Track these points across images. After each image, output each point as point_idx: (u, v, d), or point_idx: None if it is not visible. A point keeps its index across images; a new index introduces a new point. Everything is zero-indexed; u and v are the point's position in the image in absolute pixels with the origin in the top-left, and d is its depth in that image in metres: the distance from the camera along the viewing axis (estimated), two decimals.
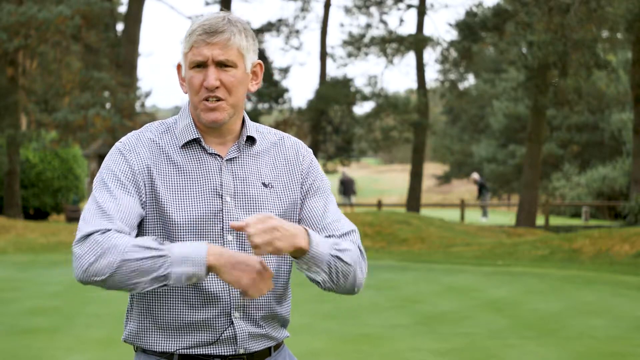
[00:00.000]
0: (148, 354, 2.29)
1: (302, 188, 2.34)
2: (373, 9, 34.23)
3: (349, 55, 34.37)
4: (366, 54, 34.27)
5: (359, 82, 62.51)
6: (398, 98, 34.65)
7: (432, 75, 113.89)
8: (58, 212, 26.91)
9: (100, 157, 27.09)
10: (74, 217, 25.01)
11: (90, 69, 26.56)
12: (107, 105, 26.17)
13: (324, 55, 34.17)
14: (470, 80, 46.70)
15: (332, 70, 57.77)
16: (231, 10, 31.31)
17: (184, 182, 2.25)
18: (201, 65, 2.22)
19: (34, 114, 27.18)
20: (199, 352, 2.25)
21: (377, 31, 34.09)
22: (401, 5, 33.66)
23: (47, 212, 26.85)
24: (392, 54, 34.05)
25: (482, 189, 32.26)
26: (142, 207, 2.21)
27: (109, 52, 31.15)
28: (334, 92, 32.73)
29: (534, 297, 11.10)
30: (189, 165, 2.27)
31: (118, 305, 9.60)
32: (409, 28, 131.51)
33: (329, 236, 2.26)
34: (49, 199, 26.51)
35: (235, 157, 2.30)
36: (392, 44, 33.75)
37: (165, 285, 2.09)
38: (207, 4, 34.17)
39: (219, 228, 2.24)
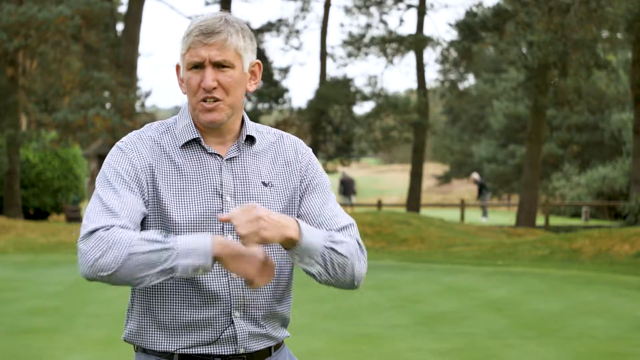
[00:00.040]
0: (148, 354, 2.29)
1: (300, 185, 2.34)
2: (373, 9, 34.25)
3: (349, 55, 34.37)
4: (366, 54, 34.28)
5: (359, 82, 62.52)
6: (398, 98, 34.66)
7: (432, 75, 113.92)
8: (58, 212, 26.91)
9: (100, 157, 27.10)
10: (74, 217, 25.01)
11: (90, 69, 26.56)
12: (107, 105, 26.18)
13: (324, 55, 34.18)
14: (470, 80, 46.74)
15: (332, 70, 57.79)
16: (231, 10, 31.34)
17: (184, 181, 2.25)
18: (198, 66, 2.22)
19: (34, 114, 27.19)
20: (199, 352, 2.25)
21: (377, 31, 34.11)
22: (401, 5, 33.67)
23: (47, 212, 26.85)
24: (392, 54, 34.06)
25: (482, 189, 32.26)
26: (145, 206, 2.22)
27: (109, 52, 31.15)
28: (334, 92, 32.73)
29: (534, 297, 11.10)
30: (189, 165, 2.27)
31: (118, 305, 9.60)
32: (409, 28, 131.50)
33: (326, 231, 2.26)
34: (49, 199, 26.51)
35: (235, 157, 2.30)
36: (392, 44, 33.75)
37: (171, 277, 2.10)
38: (207, 4, 34.20)
39: (219, 227, 2.24)
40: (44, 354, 7.18)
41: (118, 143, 2.30)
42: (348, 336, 8.10)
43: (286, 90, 35.21)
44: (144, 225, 2.23)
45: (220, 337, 2.25)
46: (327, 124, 34.82)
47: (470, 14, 30.97)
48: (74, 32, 25.46)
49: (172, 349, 2.26)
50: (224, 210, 2.24)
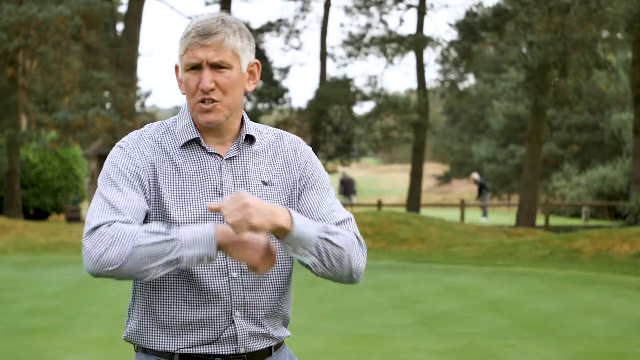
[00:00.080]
0: (148, 354, 2.30)
1: (299, 182, 2.34)
2: (373, 9, 34.25)
3: (349, 55, 34.37)
4: (366, 54, 34.28)
5: (359, 82, 62.54)
6: (398, 98, 34.66)
7: (432, 75, 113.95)
8: (58, 212, 26.91)
9: (100, 157, 27.10)
10: (74, 217, 25.01)
11: (90, 69, 26.57)
12: (107, 105, 26.18)
13: (324, 55, 34.18)
14: (470, 80, 46.74)
15: (332, 70, 57.80)
16: (231, 10, 31.33)
17: (184, 181, 2.26)
18: (196, 67, 2.23)
19: (34, 114, 27.20)
20: (199, 352, 2.25)
21: (377, 31, 34.11)
22: (401, 5, 33.68)
23: (47, 212, 26.86)
24: (392, 54, 34.06)
25: (482, 189, 32.26)
26: (147, 204, 2.23)
27: (109, 52, 31.16)
28: (334, 92, 32.73)
29: (534, 297, 11.10)
30: (189, 165, 2.28)
31: (118, 305, 9.60)
32: (409, 28, 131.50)
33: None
34: (49, 199, 26.52)
35: (235, 156, 2.31)
36: (392, 44, 33.76)
37: (177, 268, 2.11)
38: (207, 4, 34.19)
39: None
40: (44, 354, 7.18)
41: (119, 143, 2.31)
42: (348, 336, 8.10)
43: (286, 90, 35.21)
44: (146, 223, 2.24)
45: (221, 336, 2.25)
46: (327, 124, 34.82)
47: (470, 14, 30.97)
48: (74, 32, 25.47)
49: (173, 349, 2.26)
50: None
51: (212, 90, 2.22)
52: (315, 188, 2.34)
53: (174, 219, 2.22)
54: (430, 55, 79.00)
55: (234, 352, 2.27)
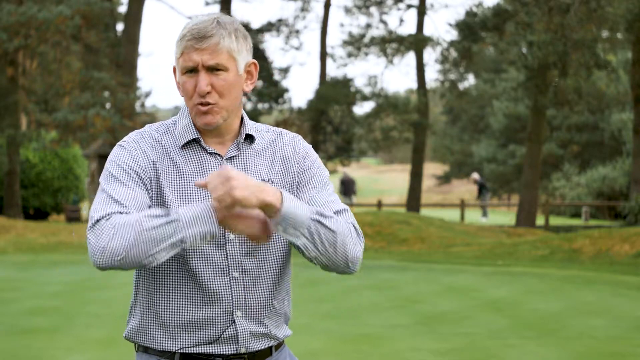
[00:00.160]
0: (149, 354, 2.30)
1: (297, 177, 2.34)
2: (373, 9, 34.25)
3: (349, 55, 34.38)
4: (366, 54, 34.29)
5: (359, 82, 62.56)
6: (398, 98, 34.66)
7: (432, 75, 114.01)
8: (58, 212, 26.91)
9: (100, 157, 27.08)
10: (74, 217, 25.01)
11: (90, 69, 26.57)
12: (107, 105, 26.18)
13: (324, 55, 34.18)
14: (470, 80, 46.75)
15: (332, 70, 57.88)
16: (231, 10, 31.33)
17: (185, 181, 2.27)
18: (192, 70, 2.23)
19: (34, 114, 27.21)
20: (200, 351, 2.26)
21: (377, 31, 34.12)
22: (401, 5, 33.68)
23: (47, 212, 26.86)
24: (392, 54, 34.07)
25: (482, 189, 32.26)
26: (150, 200, 2.23)
27: (109, 52, 31.16)
28: (334, 92, 32.73)
29: (534, 297, 11.10)
30: (189, 165, 2.28)
31: (118, 306, 9.61)
32: (409, 28, 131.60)
33: None
34: (49, 199, 26.52)
35: (235, 156, 2.31)
36: (392, 44, 33.76)
37: (182, 249, 2.12)
38: (207, 4, 34.19)
39: (221, 227, 2.24)
40: (44, 354, 7.18)
41: (120, 142, 2.32)
42: (348, 336, 8.10)
43: (286, 90, 35.21)
44: None
45: (222, 336, 2.26)
46: (327, 124, 34.82)
47: (470, 14, 30.98)
48: (74, 32, 25.47)
49: (174, 348, 2.26)
50: None
51: (208, 93, 2.23)
52: (313, 182, 2.34)
53: None
54: (430, 55, 79.11)
55: (235, 352, 2.27)
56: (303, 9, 35.37)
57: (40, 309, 9.53)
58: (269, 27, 34.98)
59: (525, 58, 24.55)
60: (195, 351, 2.26)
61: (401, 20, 35.03)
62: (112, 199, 2.16)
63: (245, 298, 2.27)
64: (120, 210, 2.13)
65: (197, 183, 2.13)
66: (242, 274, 2.26)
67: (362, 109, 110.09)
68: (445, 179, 55.60)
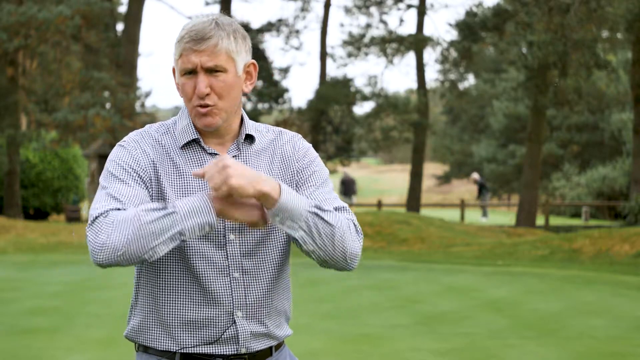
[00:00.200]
0: (150, 354, 2.30)
1: (297, 176, 2.34)
2: (373, 9, 34.26)
3: (349, 55, 34.38)
4: (366, 54, 34.29)
5: (359, 82, 62.55)
6: (398, 98, 34.67)
7: (432, 75, 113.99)
8: (58, 212, 26.91)
9: (100, 157, 27.10)
10: (74, 217, 25.01)
11: (90, 69, 26.57)
12: (107, 105, 26.19)
13: (324, 55, 34.19)
14: (470, 80, 46.75)
15: (332, 70, 57.91)
16: (231, 10, 31.33)
17: (185, 182, 2.27)
18: (191, 72, 2.23)
19: (34, 114, 27.20)
20: (200, 352, 2.26)
21: (377, 31, 34.13)
22: (401, 5, 33.68)
23: (47, 212, 26.85)
24: (392, 54, 34.07)
25: (482, 189, 32.26)
26: (150, 199, 2.23)
27: (109, 52, 31.16)
28: (334, 92, 32.74)
29: (534, 297, 11.10)
30: (190, 165, 2.28)
31: (118, 306, 9.61)
32: (409, 28, 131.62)
33: None
34: (49, 199, 26.51)
35: (235, 156, 2.31)
36: (392, 44, 33.77)
37: (183, 241, 2.11)
38: (207, 4, 34.20)
39: (221, 227, 2.25)
40: (44, 354, 7.18)
41: (120, 142, 2.32)
42: (348, 336, 8.10)
43: (286, 90, 35.22)
44: None
45: (222, 336, 2.26)
46: (327, 124, 34.82)
47: (470, 14, 30.98)
48: (74, 32, 25.47)
49: (174, 348, 2.26)
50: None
51: (207, 95, 2.23)
52: (312, 179, 2.34)
53: None
54: (430, 55, 79.11)
55: (235, 352, 2.27)
56: (303, 9, 35.37)
57: (40, 309, 9.53)
58: (269, 27, 34.98)
59: (525, 58, 24.55)
60: (195, 351, 2.26)
61: (401, 20, 35.03)
62: (110, 196, 2.16)
63: (245, 298, 2.27)
64: (118, 206, 2.13)
65: (195, 173, 2.13)
66: (242, 274, 2.27)
67: (362, 109, 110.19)
68: (445, 179, 55.60)
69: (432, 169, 58.27)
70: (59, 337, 7.88)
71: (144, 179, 2.24)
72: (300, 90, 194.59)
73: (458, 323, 8.91)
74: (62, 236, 19.64)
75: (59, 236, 19.63)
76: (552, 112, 37.89)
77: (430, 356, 7.27)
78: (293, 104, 44.64)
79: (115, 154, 2.28)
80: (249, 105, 34.13)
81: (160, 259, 2.25)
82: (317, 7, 67.05)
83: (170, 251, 2.23)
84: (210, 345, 2.26)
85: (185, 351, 2.26)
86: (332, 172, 36.09)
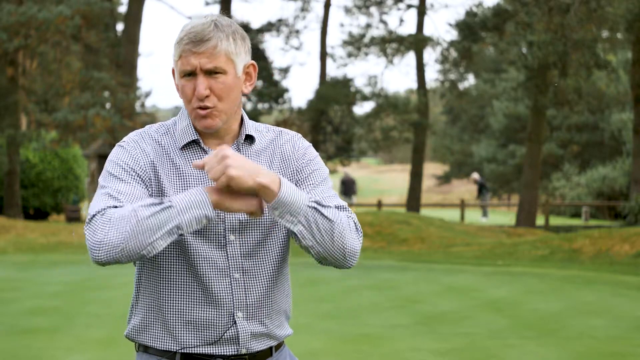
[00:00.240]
0: (150, 354, 2.30)
1: (296, 175, 2.33)
2: (373, 9, 34.26)
3: (349, 55, 34.38)
4: (366, 54, 34.29)
5: (359, 82, 62.57)
6: (398, 98, 34.67)
7: (432, 75, 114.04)
8: (58, 212, 26.91)
9: (100, 157, 27.10)
10: (74, 217, 25.01)
11: (90, 69, 26.57)
12: (107, 105, 26.18)
13: (324, 55, 34.18)
14: (470, 80, 46.75)
15: (332, 70, 57.93)
16: (231, 10, 31.32)
17: (185, 182, 2.26)
18: (191, 74, 2.23)
19: (34, 114, 27.19)
20: (201, 352, 2.26)
21: (377, 31, 34.13)
22: (401, 5, 33.69)
23: (47, 212, 26.85)
24: (392, 54, 34.07)
25: (482, 189, 32.26)
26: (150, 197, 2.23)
27: (109, 52, 31.16)
28: (334, 92, 32.73)
29: (534, 297, 11.10)
30: (188, 167, 2.28)
31: (118, 306, 9.61)
32: (409, 28, 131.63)
33: None
34: (49, 199, 26.51)
35: None
36: (392, 44, 33.77)
37: (181, 235, 2.10)
38: (207, 4, 34.19)
39: (221, 228, 2.25)
40: (44, 354, 7.18)
41: (119, 142, 2.32)
42: (348, 336, 8.10)
43: (286, 90, 35.22)
44: None
45: (223, 337, 2.26)
46: (327, 124, 34.82)
47: (470, 14, 30.98)
48: (74, 32, 25.47)
49: (175, 348, 2.26)
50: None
51: (207, 97, 2.22)
52: (312, 178, 2.33)
53: None
54: (430, 55, 79.11)
55: (236, 352, 2.27)
56: (303, 9, 35.37)
57: (40, 309, 9.53)
58: (269, 27, 34.98)
59: (525, 58, 24.55)
60: (196, 351, 2.26)
61: (401, 20, 35.03)
62: (108, 195, 2.16)
63: (246, 299, 2.27)
64: (116, 204, 2.13)
65: (195, 164, 2.13)
66: (243, 275, 2.27)
67: (362, 109, 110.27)
68: (445, 179, 55.60)
69: (432, 169, 58.28)
70: (59, 337, 7.88)
71: (143, 178, 2.24)
72: (300, 90, 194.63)
73: (458, 323, 8.91)
74: (62, 236, 19.64)
75: (59, 236, 19.63)
76: (552, 112, 37.89)
77: (430, 356, 7.27)
78: (293, 104, 44.69)
79: (114, 154, 2.28)
80: (249, 105, 34.13)
81: (161, 259, 2.25)
82: (317, 7, 67.11)
83: (171, 251, 2.24)
84: (211, 346, 2.26)
85: (185, 351, 2.26)
86: (332, 172, 36.08)
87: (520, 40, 24.33)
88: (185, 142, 2.29)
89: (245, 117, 2.36)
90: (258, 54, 33.60)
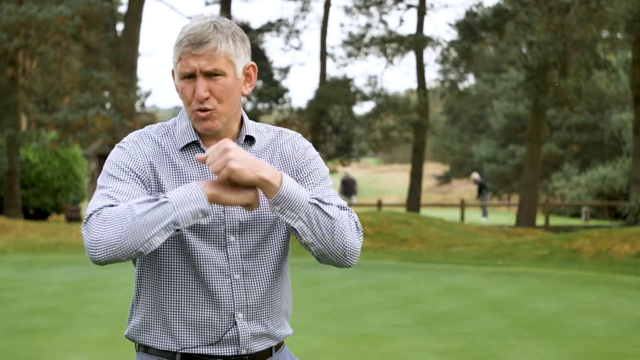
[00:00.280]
0: (150, 354, 2.30)
1: (296, 175, 2.33)
2: (373, 9, 34.25)
3: (349, 55, 34.37)
4: (366, 54, 34.28)
5: (359, 82, 62.56)
6: (398, 98, 34.66)
7: (432, 75, 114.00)
8: (58, 212, 26.91)
9: (100, 157, 27.08)
10: (74, 217, 25.01)
11: (90, 69, 26.56)
12: (107, 105, 26.18)
13: (324, 55, 34.17)
14: (470, 80, 46.74)
15: (332, 70, 57.90)
16: (231, 10, 31.32)
17: (185, 182, 2.26)
18: (190, 76, 2.23)
19: (34, 114, 27.18)
20: (201, 352, 2.26)
21: (377, 31, 34.12)
22: (401, 5, 33.68)
23: (47, 212, 26.85)
24: (392, 54, 34.06)
25: (482, 189, 32.27)
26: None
27: (109, 52, 31.15)
28: (334, 92, 32.73)
29: (534, 297, 11.11)
30: (189, 168, 2.28)
31: (118, 306, 9.61)
32: (409, 28, 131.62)
33: None
34: (49, 199, 26.51)
35: None
36: (392, 44, 33.76)
37: (177, 230, 2.10)
38: (207, 4, 34.19)
39: (222, 229, 2.25)
40: (44, 354, 7.18)
41: (119, 143, 2.32)
42: (348, 336, 8.10)
43: (286, 90, 35.21)
44: None
45: (223, 338, 2.26)
46: (327, 124, 34.81)
47: (470, 14, 30.97)
48: (74, 32, 25.46)
49: (175, 348, 2.26)
50: (226, 211, 2.26)
51: (207, 99, 2.22)
52: (312, 177, 2.33)
53: None
54: (430, 55, 79.09)
55: (236, 353, 2.28)
56: (303, 9, 35.36)
57: (40, 309, 9.53)
58: (269, 27, 34.96)
59: (525, 58, 24.55)
60: (196, 352, 2.26)
61: (401, 20, 35.01)
62: (105, 195, 2.17)
63: (246, 299, 2.27)
64: (112, 203, 2.13)
65: (198, 157, 2.13)
66: (243, 276, 2.27)
67: (362, 109, 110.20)
68: (445, 179, 55.59)
69: (432, 169, 58.26)
70: (59, 337, 7.88)
71: (142, 178, 2.24)
72: (300, 90, 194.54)
73: (458, 323, 8.91)
74: (62, 236, 19.64)
75: (59, 236, 19.64)
76: (552, 112, 37.88)
77: (430, 356, 7.27)
78: (293, 104, 44.64)
79: (113, 155, 2.28)
80: (249, 106, 34.13)
81: (162, 259, 2.25)
82: (317, 7, 67.10)
83: (172, 252, 2.24)
84: (211, 346, 2.26)
85: (186, 351, 2.26)
86: (332, 172, 36.07)
87: (520, 40, 24.33)
88: (185, 144, 2.29)
89: (245, 118, 2.36)
90: (258, 54, 33.60)
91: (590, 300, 10.93)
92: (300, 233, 2.17)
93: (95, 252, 2.07)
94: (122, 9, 36.00)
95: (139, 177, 2.23)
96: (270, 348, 2.35)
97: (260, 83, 34.04)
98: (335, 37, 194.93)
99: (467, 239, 19.80)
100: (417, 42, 31.90)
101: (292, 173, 2.33)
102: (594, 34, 23.43)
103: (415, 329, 8.57)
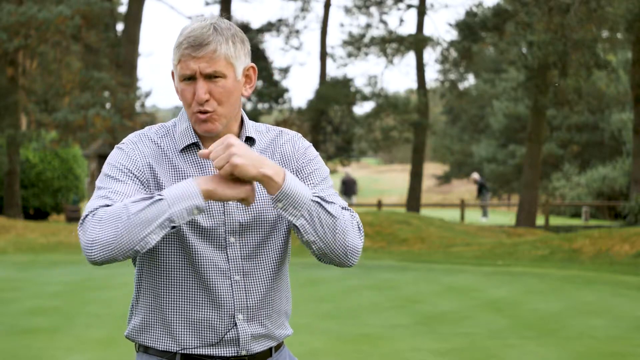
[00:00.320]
0: (150, 354, 2.30)
1: (297, 175, 2.32)
2: (373, 9, 34.24)
3: (349, 55, 34.37)
4: (366, 54, 34.28)
5: (359, 82, 62.55)
6: (398, 98, 34.66)
7: (432, 75, 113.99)
8: (58, 212, 26.91)
9: (100, 157, 27.09)
10: (74, 217, 25.02)
11: (90, 69, 26.56)
12: (107, 105, 26.18)
13: (324, 55, 34.17)
14: (470, 80, 46.72)
15: (332, 70, 57.86)
16: (231, 10, 31.32)
17: None
18: (190, 78, 2.22)
19: (34, 114, 27.17)
20: (201, 353, 2.26)
21: (377, 31, 34.11)
22: (401, 5, 33.68)
23: (47, 212, 26.85)
24: (392, 54, 34.06)
25: (482, 189, 32.26)
26: None
27: (109, 52, 31.14)
28: (334, 92, 32.72)
29: (534, 297, 11.11)
30: (189, 169, 2.28)
31: (118, 306, 9.61)
32: (409, 28, 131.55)
33: None
34: (49, 199, 26.51)
35: None
36: (392, 44, 33.76)
37: (173, 227, 2.09)
38: (207, 4, 34.18)
39: (222, 230, 2.25)
40: (44, 354, 7.18)
41: (118, 145, 2.32)
42: (348, 336, 8.10)
43: (286, 90, 35.20)
44: None
45: (223, 338, 2.26)
46: (327, 124, 34.81)
47: (470, 14, 30.97)
48: (74, 32, 25.45)
49: (175, 349, 2.26)
50: (225, 212, 2.25)
51: (207, 101, 2.22)
52: (312, 177, 2.33)
53: None
54: (430, 55, 79.00)
55: (236, 354, 2.28)
56: (303, 9, 35.36)
57: (40, 309, 9.53)
58: (269, 27, 34.96)
59: (525, 58, 24.55)
60: (196, 352, 2.26)
61: (401, 20, 35.01)
62: (102, 196, 2.17)
63: (246, 300, 2.27)
64: (108, 203, 2.13)
65: (201, 152, 2.13)
66: (243, 277, 2.27)
67: (362, 109, 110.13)
68: (445, 179, 55.58)
69: (432, 169, 58.26)
70: (59, 337, 7.88)
71: (141, 179, 2.24)
72: (300, 90, 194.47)
73: (458, 323, 8.91)
74: (62, 236, 19.64)
75: (59, 236, 19.64)
76: (552, 112, 37.87)
77: (430, 356, 7.27)
78: (293, 104, 44.62)
79: (112, 156, 2.28)
80: (249, 106, 34.12)
81: (162, 259, 2.25)
82: (317, 7, 67.07)
83: (172, 252, 2.24)
84: (211, 347, 2.26)
85: (186, 352, 2.26)
86: (332, 172, 36.06)
87: (520, 40, 24.33)
88: (184, 145, 2.29)
89: (246, 119, 2.36)
90: (258, 54, 33.59)
91: (590, 300, 10.93)
92: (302, 231, 2.16)
93: (92, 253, 2.07)
94: (122, 9, 36.00)
95: (137, 178, 2.23)
96: (270, 348, 2.35)
97: (260, 83, 34.03)
98: (335, 37, 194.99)
99: (467, 239, 19.80)
100: (417, 42, 31.90)
101: (293, 173, 2.32)
102: (594, 34, 23.42)
103: (415, 329, 8.58)
